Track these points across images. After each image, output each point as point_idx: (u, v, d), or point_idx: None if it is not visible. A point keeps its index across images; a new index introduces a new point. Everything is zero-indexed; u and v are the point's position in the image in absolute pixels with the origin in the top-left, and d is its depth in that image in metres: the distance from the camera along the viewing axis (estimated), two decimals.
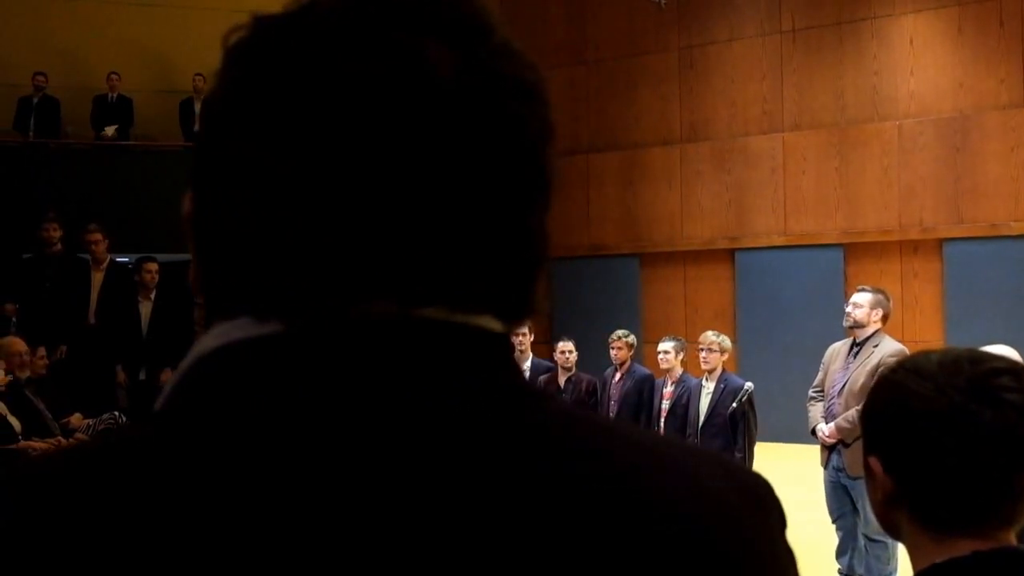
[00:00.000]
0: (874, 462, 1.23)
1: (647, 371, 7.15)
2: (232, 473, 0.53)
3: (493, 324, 0.59)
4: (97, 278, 9.09)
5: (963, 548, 1.18)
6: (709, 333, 6.61)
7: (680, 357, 6.75)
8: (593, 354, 7.49)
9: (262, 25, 0.60)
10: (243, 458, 0.54)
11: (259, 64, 0.58)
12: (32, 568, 0.52)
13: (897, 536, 1.26)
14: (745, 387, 6.31)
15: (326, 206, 0.55)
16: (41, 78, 11.43)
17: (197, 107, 11.95)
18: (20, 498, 0.54)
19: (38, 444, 6.53)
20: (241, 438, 0.54)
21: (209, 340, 0.59)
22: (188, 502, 0.52)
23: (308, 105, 0.56)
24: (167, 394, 0.60)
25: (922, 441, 1.18)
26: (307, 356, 0.56)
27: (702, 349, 6.47)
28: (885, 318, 5.79)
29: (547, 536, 0.53)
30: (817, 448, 5.94)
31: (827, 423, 5.80)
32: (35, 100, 11.48)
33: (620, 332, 7.13)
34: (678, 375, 6.69)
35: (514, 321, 0.61)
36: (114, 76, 11.64)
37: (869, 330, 5.76)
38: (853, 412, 5.52)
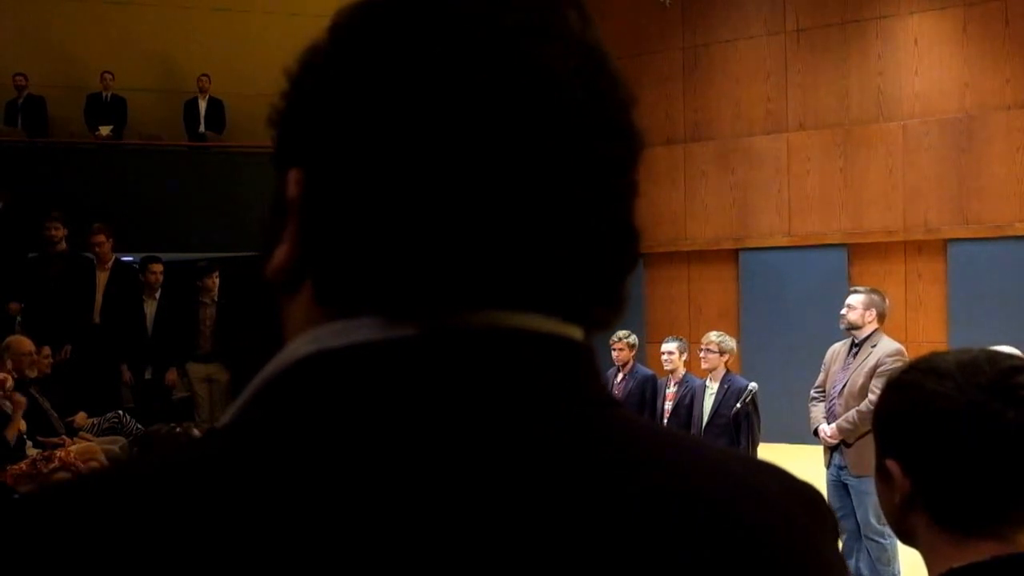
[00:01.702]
0: (892, 465, 1.21)
1: (649, 371, 7.15)
2: (343, 481, 0.52)
3: (578, 333, 0.60)
4: (102, 278, 9.11)
5: (982, 551, 1.17)
6: (712, 334, 6.62)
7: (684, 357, 6.75)
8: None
9: (379, 12, 0.58)
10: (349, 470, 0.52)
11: (385, 52, 0.57)
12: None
13: (910, 540, 1.25)
14: (749, 387, 6.31)
15: (449, 208, 0.55)
16: (20, 78, 11.41)
17: (202, 107, 11.96)
18: (121, 507, 0.51)
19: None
20: (357, 452, 0.53)
21: (300, 345, 0.57)
22: (305, 508, 0.51)
23: (436, 102, 0.55)
24: (251, 395, 0.57)
25: (944, 441, 1.17)
26: (425, 365, 0.55)
27: (702, 349, 6.49)
28: (881, 318, 5.81)
29: (636, 546, 0.53)
30: (820, 448, 5.94)
31: (829, 423, 5.81)
32: (19, 100, 11.48)
33: (621, 333, 7.13)
34: (681, 375, 6.69)
35: (609, 324, 0.62)
36: (107, 75, 11.63)
37: (866, 331, 5.77)
38: (853, 413, 5.55)
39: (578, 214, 0.57)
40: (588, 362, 0.60)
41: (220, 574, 0.49)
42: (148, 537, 0.50)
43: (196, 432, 4.58)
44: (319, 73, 0.59)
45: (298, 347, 0.56)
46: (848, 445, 5.64)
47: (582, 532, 0.52)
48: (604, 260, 0.60)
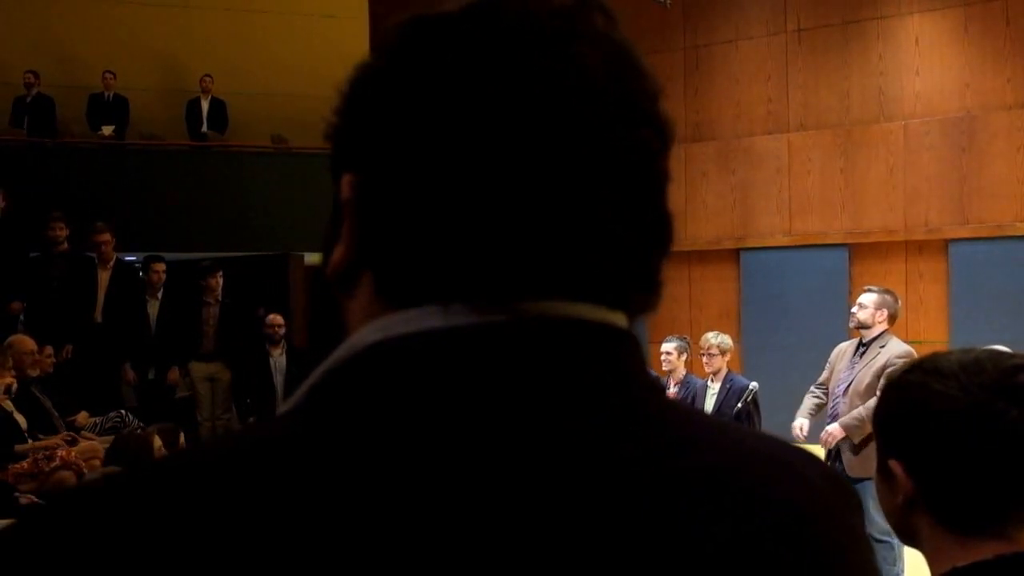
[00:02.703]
0: (895, 465, 1.21)
1: (652, 372, 7.15)
2: (408, 467, 0.55)
3: (618, 319, 0.63)
4: (104, 277, 9.12)
5: (986, 550, 1.16)
6: (709, 336, 6.60)
7: (683, 357, 6.75)
8: None
9: (429, 23, 0.63)
10: (415, 454, 0.55)
11: (435, 58, 0.61)
12: (197, 564, 0.52)
13: (912, 541, 1.25)
14: (750, 387, 6.32)
15: (497, 203, 0.58)
16: (30, 76, 11.41)
17: (204, 107, 11.96)
18: (184, 494, 0.54)
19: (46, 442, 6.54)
20: (424, 438, 0.56)
21: (367, 334, 0.59)
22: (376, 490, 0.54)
23: (483, 102, 0.59)
24: (323, 378, 0.60)
25: (947, 441, 1.17)
26: (486, 353, 0.58)
27: (703, 355, 6.48)
28: (892, 319, 5.77)
29: (690, 522, 0.56)
30: (818, 449, 5.93)
31: (831, 423, 5.79)
32: (28, 99, 11.48)
33: None
34: (681, 376, 6.69)
35: (649, 308, 0.66)
36: (108, 75, 11.63)
37: (875, 331, 5.74)
38: (861, 410, 5.49)
39: (616, 203, 0.61)
40: (635, 349, 0.64)
41: (290, 558, 0.52)
42: (220, 524, 0.52)
43: (156, 438, 4.59)
44: (373, 86, 0.63)
45: (365, 335, 0.59)
46: (855, 450, 5.60)
47: (640, 510, 0.56)
48: (642, 247, 0.63)
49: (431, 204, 0.59)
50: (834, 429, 5.70)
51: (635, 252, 0.62)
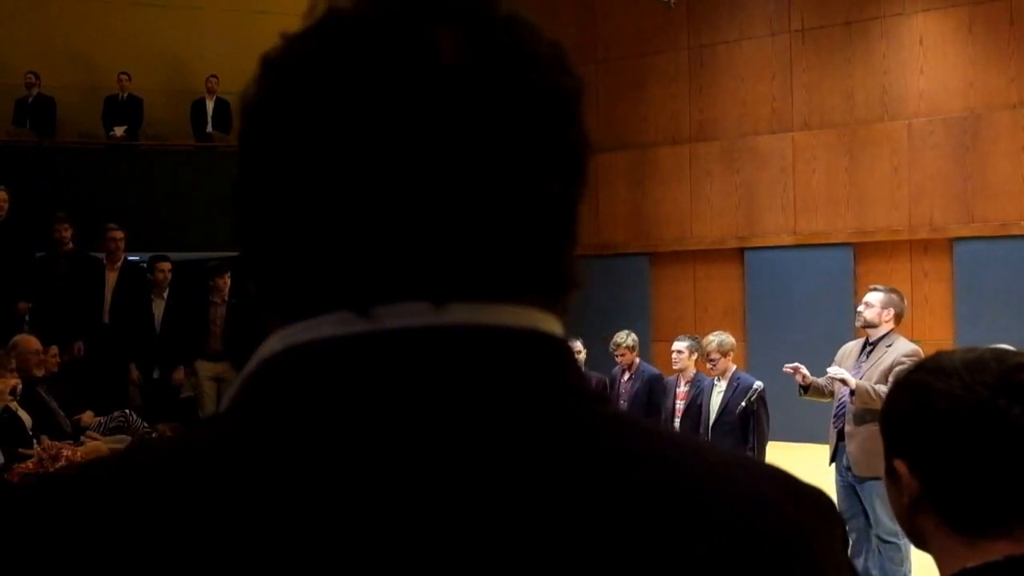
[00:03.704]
0: (900, 465, 1.20)
1: (655, 371, 7.15)
2: (297, 473, 0.54)
3: (550, 324, 0.60)
4: (111, 277, 9.14)
5: (995, 551, 1.15)
6: (710, 338, 6.58)
7: (694, 357, 6.75)
8: (603, 353, 7.49)
9: (290, 38, 0.62)
10: (308, 460, 0.54)
11: (287, 72, 0.60)
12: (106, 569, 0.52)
13: (920, 542, 1.24)
14: (754, 386, 6.31)
15: (355, 205, 0.57)
16: (31, 77, 11.44)
17: (209, 108, 11.98)
18: (91, 503, 0.54)
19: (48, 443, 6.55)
20: (305, 441, 0.55)
21: (273, 343, 0.59)
22: (257, 502, 0.53)
23: (330, 108, 0.57)
24: (235, 392, 0.60)
25: (950, 439, 1.16)
26: (384, 358, 0.56)
27: (708, 360, 6.47)
28: (898, 318, 5.74)
29: (595, 545, 0.52)
30: (827, 447, 5.92)
31: (835, 426, 5.77)
32: (29, 99, 11.50)
33: (618, 339, 7.13)
34: (692, 375, 6.69)
35: (556, 298, 0.61)
36: (123, 76, 11.67)
37: (882, 330, 5.71)
38: (882, 387, 5.36)
39: (495, 194, 0.57)
40: (561, 353, 0.60)
41: (199, 559, 0.51)
42: (137, 526, 0.52)
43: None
44: (245, 103, 0.62)
45: (272, 343, 0.59)
46: (860, 424, 5.48)
47: (566, 525, 0.52)
48: (520, 230, 0.59)
49: (306, 215, 0.58)
50: (853, 382, 5.54)
51: (541, 246, 0.59)
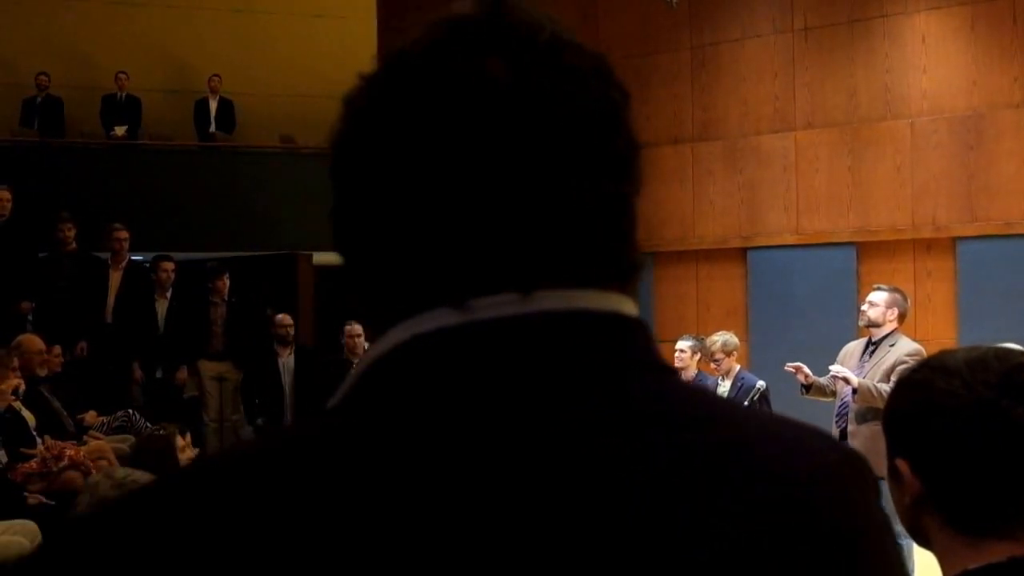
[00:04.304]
0: (902, 464, 1.20)
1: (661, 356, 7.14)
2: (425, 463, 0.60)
3: (628, 306, 0.68)
4: (116, 277, 9.16)
5: (997, 552, 1.15)
6: (714, 337, 6.58)
7: (696, 357, 6.75)
8: None
9: (369, 78, 0.71)
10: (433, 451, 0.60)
11: (373, 108, 0.68)
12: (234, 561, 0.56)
13: (924, 542, 1.23)
14: (757, 386, 6.31)
15: (448, 211, 0.65)
16: (43, 78, 11.45)
17: (212, 107, 11.99)
18: (215, 497, 0.59)
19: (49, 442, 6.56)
20: (427, 433, 0.61)
21: (399, 333, 0.65)
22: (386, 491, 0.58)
23: (417, 137, 0.66)
24: (365, 373, 0.65)
25: (952, 439, 1.16)
26: (503, 347, 0.63)
27: (711, 360, 6.46)
28: (901, 317, 5.74)
29: (683, 487, 0.61)
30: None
31: (837, 426, 5.76)
32: (38, 100, 11.51)
33: None
34: (693, 375, 6.69)
35: (625, 281, 0.70)
36: (122, 75, 11.67)
37: (885, 329, 5.70)
38: (884, 385, 5.37)
39: (579, 193, 0.66)
40: (641, 334, 0.69)
41: (333, 548, 0.56)
42: (272, 514, 0.57)
43: (180, 438, 4.63)
44: (354, 126, 0.70)
45: (397, 334, 0.65)
46: (864, 422, 5.48)
47: (663, 482, 0.61)
48: (610, 231, 0.68)
49: (410, 228, 0.65)
50: (855, 380, 5.55)
51: (605, 236, 0.68)
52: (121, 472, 3.69)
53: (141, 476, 3.75)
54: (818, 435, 0.69)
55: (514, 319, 0.63)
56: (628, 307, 0.68)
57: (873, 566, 0.66)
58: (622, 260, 0.69)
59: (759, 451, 0.64)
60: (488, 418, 0.61)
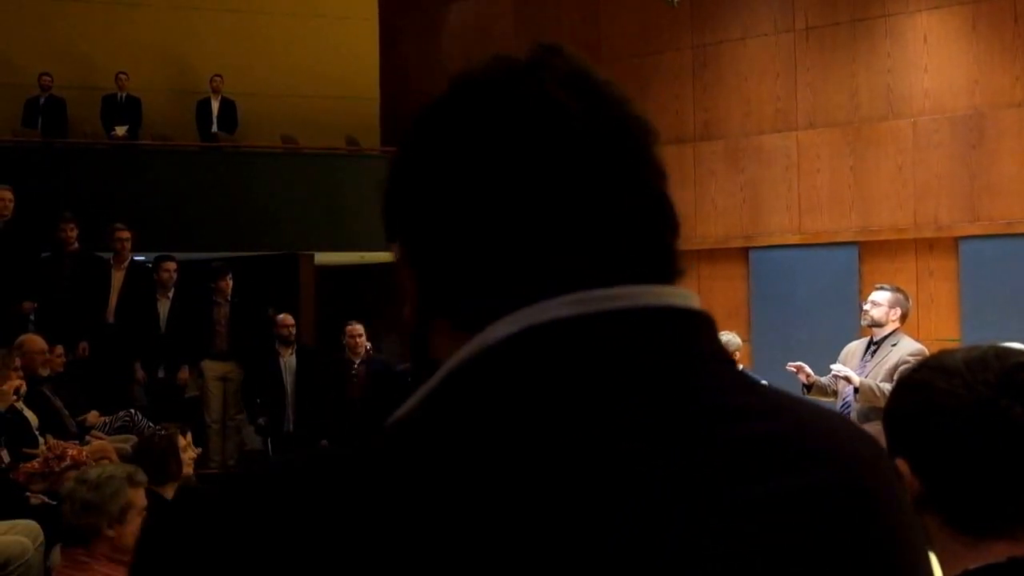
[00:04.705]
0: (901, 464, 1.19)
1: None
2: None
3: (697, 301, 0.74)
4: (118, 277, 9.16)
5: (998, 552, 1.14)
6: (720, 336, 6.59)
7: None
8: None
9: (443, 102, 0.75)
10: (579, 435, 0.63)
11: (459, 130, 0.73)
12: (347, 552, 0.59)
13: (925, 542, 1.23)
14: None
15: (540, 220, 0.70)
16: (47, 78, 11.46)
17: (215, 108, 11.99)
18: (339, 490, 0.61)
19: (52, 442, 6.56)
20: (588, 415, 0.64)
21: (505, 326, 0.67)
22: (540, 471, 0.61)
23: (502, 155, 0.71)
24: (466, 362, 0.67)
25: (951, 439, 1.15)
26: (616, 342, 0.67)
27: None
28: (904, 317, 5.73)
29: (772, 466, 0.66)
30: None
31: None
32: (41, 100, 11.51)
33: None
34: None
35: (681, 276, 0.75)
36: (122, 76, 11.67)
37: (887, 329, 5.70)
38: (887, 385, 5.37)
39: (637, 202, 0.73)
40: (714, 328, 0.75)
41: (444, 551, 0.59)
42: (384, 516, 0.59)
43: (181, 439, 4.62)
44: (411, 168, 0.75)
45: (503, 327, 0.67)
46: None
47: (776, 456, 0.66)
48: (663, 233, 0.75)
49: (506, 228, 0.70)
50: (856, 379, 5.56)
51: (661, 238, 0.74)
52: (95, 472, 3.69)
53: (116, 469, 3.75)
54: (854, 427, 0.75)
55: (622, 312, 0.68)
56: (697, 302, 0.74)
57: (918, 544, 0.73)
58: (677, 256, 0.76)
59: (816, 439, 0.69)
60: (603, 407, 0.64)
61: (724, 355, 0.73)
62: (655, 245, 0.74)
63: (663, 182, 0.77)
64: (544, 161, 0.70)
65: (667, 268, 0.74)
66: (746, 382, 0.72)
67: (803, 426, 0.70)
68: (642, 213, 0.73)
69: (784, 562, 0.63)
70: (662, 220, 0.75)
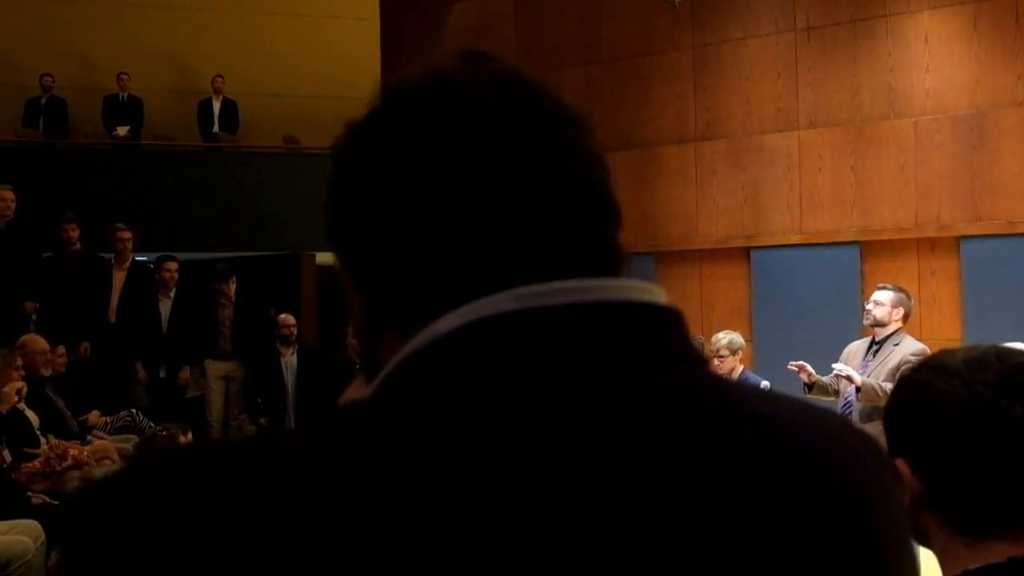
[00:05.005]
0: (901, 464, 1.20)
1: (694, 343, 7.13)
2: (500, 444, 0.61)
3: (661, 296, 0.72)
4: (120, 277, 9.17)
5: (997, 552, 1.14)
6: (719, 335, 6.58)
7: None
8: None
9: (375, 110, 0.76)
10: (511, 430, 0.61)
11: (393, 123, 0.74)
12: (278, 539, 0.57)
13: (925, 542, 1.23)
14: (762, 386, 6.30)
15: (475, 219, 0.69)
16: (48, 78, 11.46)
17: (216, 108, 11.99)
18: (259, 480, 0.59)
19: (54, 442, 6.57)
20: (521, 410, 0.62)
21: (449, 320, 0.66)
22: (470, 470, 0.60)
23: (435, 149, 0.71)
24: (410, 358, 0.66)
25: (950, 440, 1.15)
26: (555, 335, 0.66)
27: (714, 356, 6.46)
28: (906, 317, 5.73)
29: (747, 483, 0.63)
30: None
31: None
32: (43, 101, 11.52)
33: None
34: None
35: (623, 269, 0.74)
36: (124, 76, 11.68)
37: (890, 329, 5.70)
38: (889, 384, 5.36)
39: (577, 196, 0.73)
40: (680, 323, 0.72)
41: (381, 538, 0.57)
42: (316, 504, 0.58)
43: (183, 439, 4.61)
44: (350, 171, 0.76)
45: (447, 322, 0.66)
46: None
47: (711, 468, 0.63)
48: (606, 225, 0.74)
49: (447, 227, 0.69)
50: (858, 378, 5.56)
51: (602, 229, 0.74)
52: (99, 472, 3.69)
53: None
54: (847, 425, 0.73)
55: (574, 307, 0.66)
56: (662, 296, 0.71)
57: (908, 545, 0.72)
58: (619, 248, 0.75)
59: (785, 440, 0.67)
60: (545, 405, 0.62)
61: (693, 353, 0.71)
62: (596, 237, 0.73)
63: (602, 173, 0.76)
64: (476, 162, 0.70)
65: (610, 259, 0.73)
66: (719, 381, 0.71)
67: (790, 426, 0.68)
68: (580, 206, 0.72)
69: (782, 564, 0.62)
70: (602, 212, 0.74)
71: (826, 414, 0.73)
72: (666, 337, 0.70)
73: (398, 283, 0.71)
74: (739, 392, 0.71)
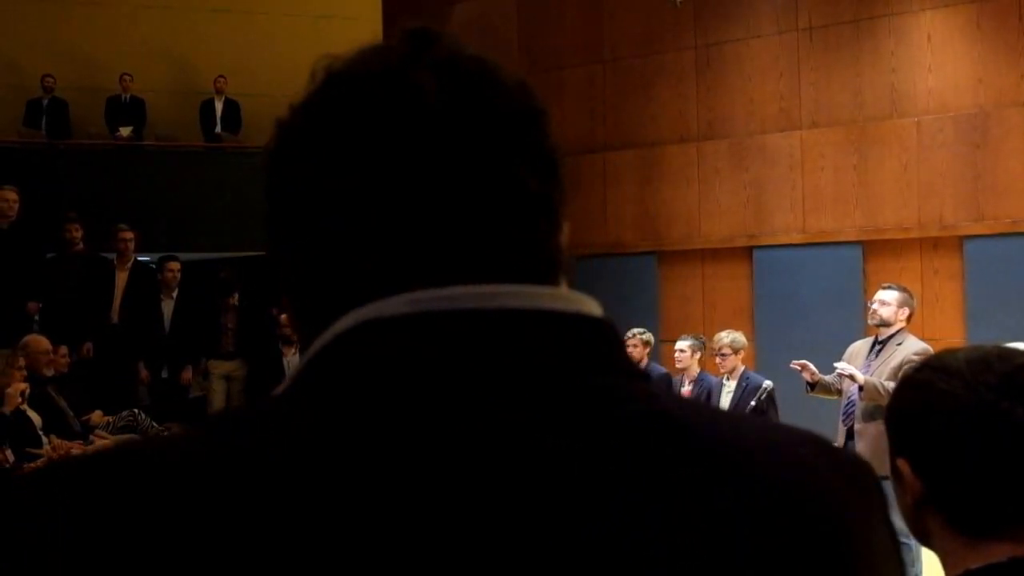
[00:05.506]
0: (903, 464, 1.20)
1: (663, 370, 7.14)
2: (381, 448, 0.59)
3: (590, 306, 0.67)
4: (122, 277, 9.18)
5: (998, 552, 1.14)
6: (721, 335, 6.58)
7: (697, 356, 6.74)
8: None
9: (303, 103, 0.73)
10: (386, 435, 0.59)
11: (315, 116, 0.71)
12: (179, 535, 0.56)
13: (926, 541, 1.23)
14: (764, 386, 6.31)
15: (382, 218, 0.66)
16: (49, 79, 11.48)
17: (218, 108, 12.00)
18: (148, 482, 0.58)
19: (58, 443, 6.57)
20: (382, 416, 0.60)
21: (345, 321, 0.65)
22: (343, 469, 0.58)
23: (352, 142, 0.68)
24: (313, 358, 0.65)
25: (951, 440, 1.15)
26: (432, 340, 0.63)
27: (716, 355, 6.47)
28: (910, 317, 5.74)
29: (664, 515, 0.60)
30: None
31: (844, 424, 5.75)
32: (44, 102, 11.53)
33: (635, 330, 7.13)
34: (695, 374, 6.68)
35: (555, 277, 0.69)
36: (127, 77, 11.69)
37: (894, 328, 5.69)
38: (891, 383, 5.36)
39: (496, 192, 0.68)
40: (602, 333, 0.67)
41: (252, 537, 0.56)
42: (195, 499, 0.56)
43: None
44: (272, 163, 0.74)
45: (344, 322, 0.65)
46: (869, 419, 5.49)
47: (637, 488, 0.60)
48: (533, 226, 0.69)
49: (353, 228, 0.67)
50: (861, 378, 5.55)
51: (529, 232, 0.68)
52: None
53: None
54: (822, 449, 0.68)
55: (473, 312, 0.63)
56: (590, 307, 0.67)
57: (862, 547, 0.65)
58: (550, 251, 0.70)
59: (739, 461, 0.63)
60: (422, 416, 0.60)
61: (621, 365, 0.66)
62: (522, 242, 0.68)
63: (545, 172, 0.70)
64: (392, 159, 0.66)
65: (538, 265, 0.68)
66: (650, 392, 0.66)
67: (731, 439, 0.65)
68: (508, 209, 0.67)
69: (753, 567, 0.60)
70: (536, 215, 0.69)
71: (798, 438, 0.68)
72: (578, 347, 0.64)
73: (308, 284, 0.70)
74: (669, 402, 0.66)
